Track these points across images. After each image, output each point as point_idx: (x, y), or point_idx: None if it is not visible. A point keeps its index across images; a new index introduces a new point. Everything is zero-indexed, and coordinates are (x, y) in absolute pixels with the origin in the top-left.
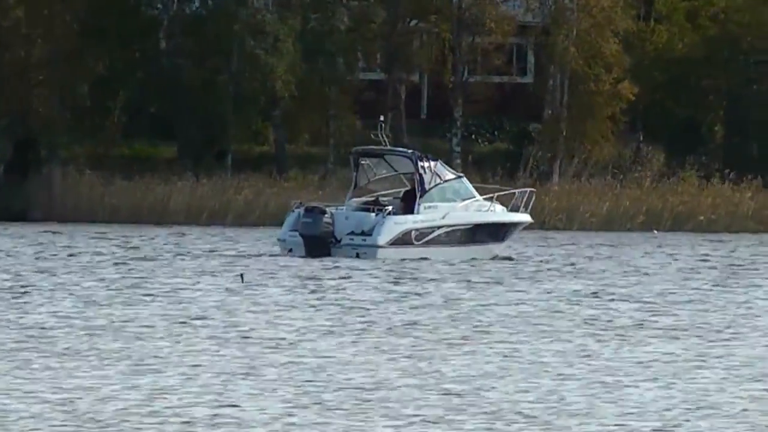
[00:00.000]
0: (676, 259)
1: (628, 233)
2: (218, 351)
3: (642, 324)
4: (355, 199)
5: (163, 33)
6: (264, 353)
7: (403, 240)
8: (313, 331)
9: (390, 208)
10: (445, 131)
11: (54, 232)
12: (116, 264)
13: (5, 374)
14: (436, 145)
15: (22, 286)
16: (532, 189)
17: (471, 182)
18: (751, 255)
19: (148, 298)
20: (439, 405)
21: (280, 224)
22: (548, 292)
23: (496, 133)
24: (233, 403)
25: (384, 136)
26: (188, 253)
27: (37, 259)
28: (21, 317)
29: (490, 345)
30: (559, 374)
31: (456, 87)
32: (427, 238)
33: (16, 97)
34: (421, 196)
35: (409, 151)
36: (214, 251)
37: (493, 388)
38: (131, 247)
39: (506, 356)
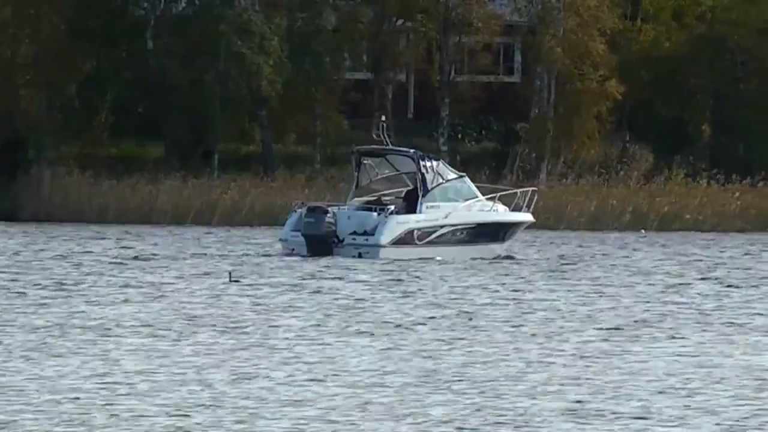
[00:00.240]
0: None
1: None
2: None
3: None
4: (357, 199)
5: (150, 33)
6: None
7: (405, 240)
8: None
9: (392, 207)
10: (432, 131)
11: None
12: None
13: None
14: (422, 144)
15: None
16: (534, 189)
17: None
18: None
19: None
20: None
21: (267, 224)
22: None
23: (483, 132)
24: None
25: (386, 135)
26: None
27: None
28: None
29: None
30: None
31: (443, 86)
32: (429, 238)
33: (3, 98)
34: (423, 196)
35: (411, 150)
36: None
37: None
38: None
39: None
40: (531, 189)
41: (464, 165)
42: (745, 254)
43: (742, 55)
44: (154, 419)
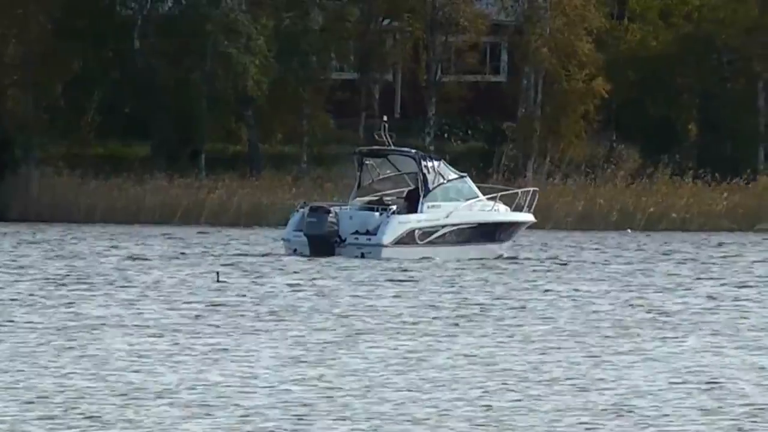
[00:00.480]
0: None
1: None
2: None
3: None
4: (359, 199)
5: (137, 33)
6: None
7: (407, 239)
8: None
9: (394, 207)
10: (418, 130)
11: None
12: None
13: None
14: (409, 144)
15: None
16: (536, 189)
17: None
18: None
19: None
20: None
21: (254, 224)
22: None
23: (469, 132)
24: None
25: (387, 136)
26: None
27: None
28: None
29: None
30: None
31: (429, 86)
32: (430, 238)
33: None
34: (424, 196)
35: (413, 150)
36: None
37: None
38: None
39: None
40: (532, 189)
41: (451, 164)
42: None
43: (729, 54)
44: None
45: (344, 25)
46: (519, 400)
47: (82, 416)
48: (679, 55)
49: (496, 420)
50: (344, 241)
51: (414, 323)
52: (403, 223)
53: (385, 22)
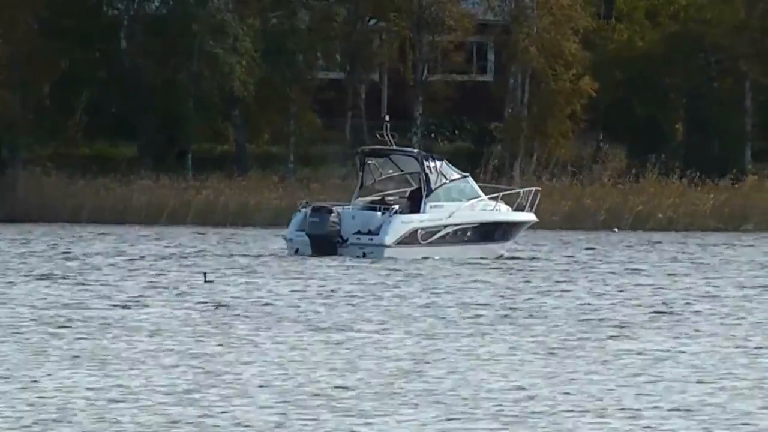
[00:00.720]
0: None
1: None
2: None
3: None
4: (361, 199)
5: (124, 33)
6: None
7: (409, 239)
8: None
9: (396, 207)
10: (405, 130)
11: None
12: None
13: None
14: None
15: None
16: (538, 189)
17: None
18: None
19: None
20: None
21: (240, 224)
22: None
23: (456, 132)
24: None
25: (389, 135)
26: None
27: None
28: None
29: None
30: None
31: (416, 86)
32: (433, 238)
33: None
34: (427, 196)
35: (415, 150)
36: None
37: None
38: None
39: None
40: (534, 189)
41: None
42: None
43: (716, 53)
44: None
45: (331, 25)
46: None
47: None
48: (665, 54)
49: None
50: (346, 240)
51: None
52: (406, 223)
53: (372, 21)
